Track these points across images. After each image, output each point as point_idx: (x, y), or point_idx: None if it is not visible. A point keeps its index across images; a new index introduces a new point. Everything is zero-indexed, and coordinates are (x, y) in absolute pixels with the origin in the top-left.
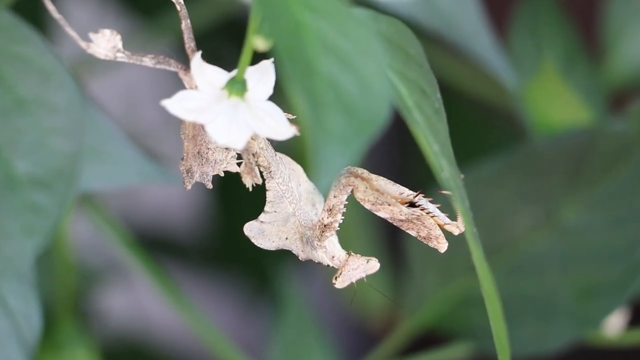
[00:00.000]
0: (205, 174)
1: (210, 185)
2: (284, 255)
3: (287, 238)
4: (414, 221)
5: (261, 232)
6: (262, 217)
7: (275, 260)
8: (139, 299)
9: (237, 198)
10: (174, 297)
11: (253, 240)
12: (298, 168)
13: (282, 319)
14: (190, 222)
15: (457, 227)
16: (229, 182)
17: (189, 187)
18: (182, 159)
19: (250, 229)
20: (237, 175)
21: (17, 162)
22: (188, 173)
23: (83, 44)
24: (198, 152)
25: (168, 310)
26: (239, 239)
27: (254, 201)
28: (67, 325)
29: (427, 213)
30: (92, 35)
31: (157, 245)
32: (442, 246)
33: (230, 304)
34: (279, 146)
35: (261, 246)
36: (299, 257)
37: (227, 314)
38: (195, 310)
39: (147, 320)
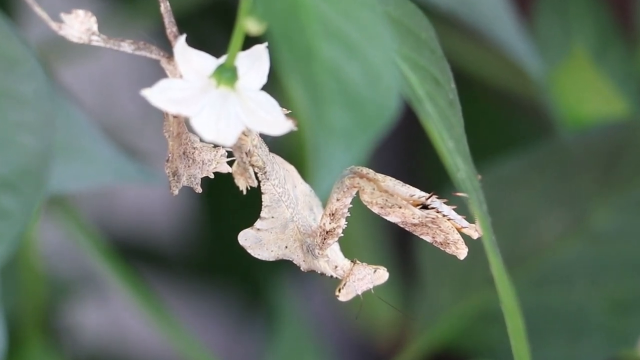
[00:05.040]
0: (193, 176)
1: (199, 189)
2: (279, 265)
3: (286, 247)
4: (429, 225)
5: (258, 241)
6: (258, 223)
7: (269, 271)
8: (116, 313)
9: (226, 201)
10: (154, 312)
11: (249, 251)
12: (291, 168)
13: (277, 337)
14: (174, 228)
15: (475, 231)
16: (217, 184)
17: (176, 191)
18: (167, 160)
19: (246, 238)
20: (226, 176)
21: None
22: (174, 176)
23: (54, 26)
24: (184, 153)
25: (148, 327)
26: (228, 247)
27: (245, 205)
28: (35, 342)
29: (442, 216)
30: (63, 16)
31: (136, 253)
32: (462, 252)
33: (219, 320)
34: (271, 143)
35: (258, 257)
36: (301, 268)
37: (216, 332)
38: (179, 327)
39: (124, 338)
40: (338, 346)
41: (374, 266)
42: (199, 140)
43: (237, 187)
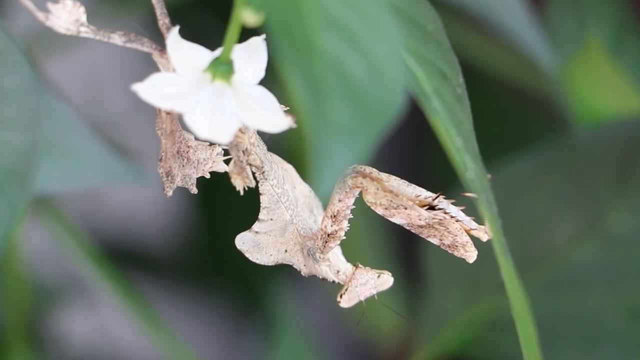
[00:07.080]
0: (187, 176)
1: (194, 190)
2: (276, 270)
3: (286, 250)
4: (436, 227)
5: (256, 245)
6: (256, 226)
7: (266, 276)
8: (104, 320)
9: (223, 202)
10: (145, 319)
11: (247, 255)
12: (290, 168)
13: (275, 345)
14: (167, 230)
15: (485, 233)
16: (213, 184)
17: (170, 192)
18: (160, 160)
19: (244, 242)
20: (223, 176)
21: None
22: (168, 176)
23: (40, 16)
24: (177, 151)
25: (138, 335)
26: (224, 251)
27: (242, 206)
28: (19, 351)
29: (450, 217)
30: (50, 6)
31: (126, 257)
32: (471, 255)
33: (214, 328)
34: (269, 141)
35: (257, 261)
36: (302, 273)
37: (210, 340)
38: (171, 335)
39: (113, 346)
40: (339, 354)
41: (378, 271)
42: (193, 138)
43: (234, 188)
